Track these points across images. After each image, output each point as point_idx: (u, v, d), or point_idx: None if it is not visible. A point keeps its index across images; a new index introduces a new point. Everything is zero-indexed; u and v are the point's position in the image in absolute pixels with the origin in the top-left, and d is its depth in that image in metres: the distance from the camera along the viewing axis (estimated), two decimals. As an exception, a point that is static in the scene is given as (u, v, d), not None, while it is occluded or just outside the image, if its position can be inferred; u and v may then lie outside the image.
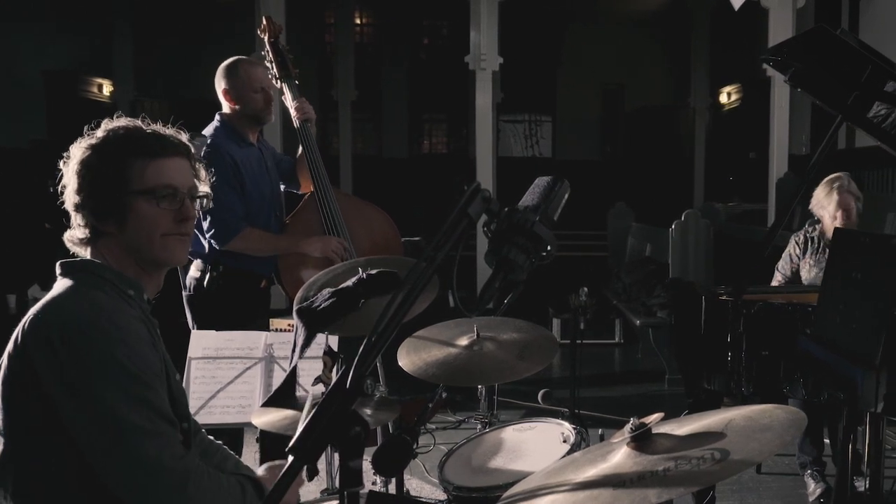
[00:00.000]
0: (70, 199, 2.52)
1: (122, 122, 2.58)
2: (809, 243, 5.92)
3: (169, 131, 2.62)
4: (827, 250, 5.58)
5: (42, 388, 2.32)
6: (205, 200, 2.67)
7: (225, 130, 4.98)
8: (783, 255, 6.07)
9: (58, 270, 2.53)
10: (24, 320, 2.40)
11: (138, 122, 2.59)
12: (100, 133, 2.54)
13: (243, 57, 5.22)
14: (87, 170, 2.49)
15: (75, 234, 2.55)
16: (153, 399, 2.38)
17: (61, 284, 2.49)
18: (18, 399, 2.37)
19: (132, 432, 2.31)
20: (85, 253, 2.56)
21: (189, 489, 2.36)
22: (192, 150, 2.67)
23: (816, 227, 5.98)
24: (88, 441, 2.32)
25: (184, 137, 2.65)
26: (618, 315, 11.28)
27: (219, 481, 2.48)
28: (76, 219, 2.54)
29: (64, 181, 2.54)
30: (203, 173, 2.70)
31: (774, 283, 5.99)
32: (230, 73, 5.02)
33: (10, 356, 2.38)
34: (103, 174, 2.49)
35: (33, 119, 18.17)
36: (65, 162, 2.54)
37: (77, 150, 2.53)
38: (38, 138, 17.22)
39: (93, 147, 2.51)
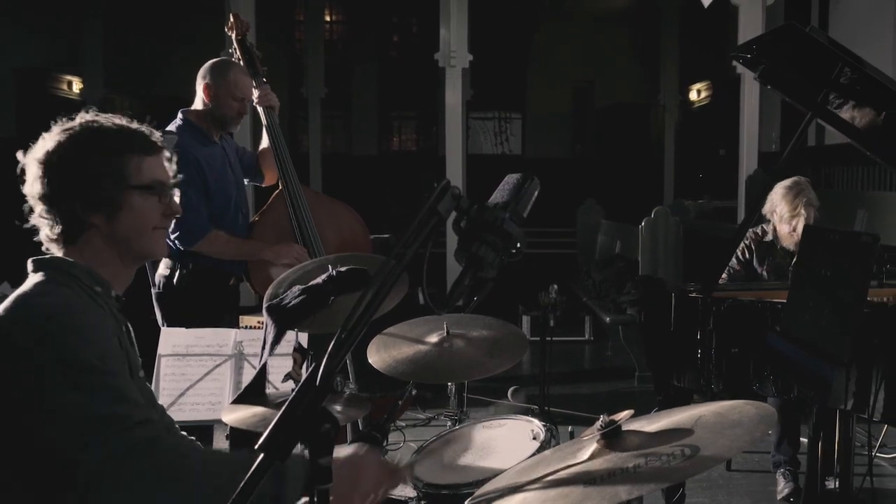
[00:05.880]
0: (52, 192, 2.47)
1: (107, 116, 2.58)
2: (767, 251, 5.66)
3: (147, 128, 2.65)
4: (787, 257, 5.48)
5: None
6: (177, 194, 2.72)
7: (188, 129, 4.96)
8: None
9: (29, 267, 2.49)
10: None
11: (123, 119, 2.60)
12: (90, 125, 2.52)
13: (237, 62, 5.31)
14: (82, 162, 2.47)
15: (54, 230, 2.50)
16: (118, 386, 2.32)
17: (31, 280, 2.45)
18: None
19: (95, 420, 2.23)
20: (58, 251, 2.53)
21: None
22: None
23: (767, 229, 5.69)
24: (54, 433, 2.23)
25: (158, 135, 2.68)
26: (588, 312, 11.31)
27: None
28: (53, 214, 2.48)
29: (32, 174, 2.48)
30: (173, 169, 2.73)
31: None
32: (219, 71, 5.03)
33: None
34: (104, 167, 2.48)
35: (2, 116, 18.01)
36: (45, 156, 2.47)
37: (67, 143, 2.47)
38: (8, 136, 17.11)
39: (90, 140, 2.49)
